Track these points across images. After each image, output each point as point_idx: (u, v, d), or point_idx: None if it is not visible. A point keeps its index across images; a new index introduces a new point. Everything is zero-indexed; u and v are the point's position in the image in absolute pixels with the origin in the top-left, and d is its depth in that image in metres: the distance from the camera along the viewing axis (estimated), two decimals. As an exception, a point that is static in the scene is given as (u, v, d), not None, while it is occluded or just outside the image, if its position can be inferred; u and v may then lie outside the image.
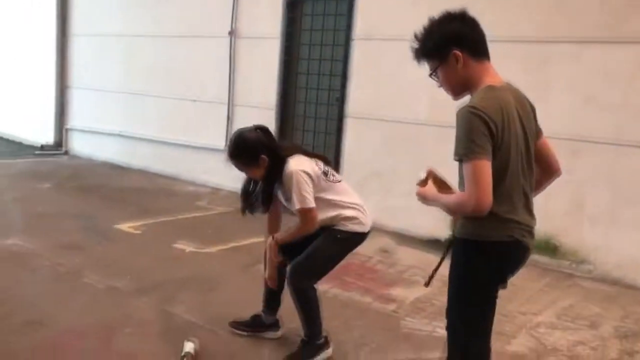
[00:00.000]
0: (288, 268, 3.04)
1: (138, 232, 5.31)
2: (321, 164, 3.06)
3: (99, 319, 3.41)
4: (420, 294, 4.10)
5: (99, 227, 5.33)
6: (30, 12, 9.85)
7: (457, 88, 2.17)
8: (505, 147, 1.98)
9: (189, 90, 7.78)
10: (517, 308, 4.07)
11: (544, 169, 2.33)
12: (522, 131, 2.10)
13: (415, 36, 2.20)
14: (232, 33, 7.21)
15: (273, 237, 3.07)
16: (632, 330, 3.82)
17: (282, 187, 2.99)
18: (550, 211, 5.07)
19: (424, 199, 2.16)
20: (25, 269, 4.15)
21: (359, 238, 3.09)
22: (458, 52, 2.08)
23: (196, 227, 5.68)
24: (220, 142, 7.41)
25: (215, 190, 7.30)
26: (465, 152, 1.92)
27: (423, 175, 2.22)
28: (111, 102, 8.79)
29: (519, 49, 5.12)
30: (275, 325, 3.34)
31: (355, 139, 6.28)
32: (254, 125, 3.08)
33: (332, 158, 6.53)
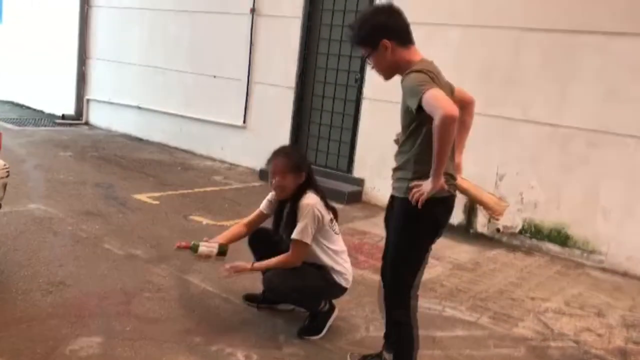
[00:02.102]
0: (267, 275, 3.11)
1: (156, 202, 5.42)
2: (331, 215, 3.15)
3: (119, 283, 3.54)
4: (431, 275, 4.18)
5: (118, 196, 5.45)
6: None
7: (387, 71, 2.49)
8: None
9: (210, 66, 7.84)
10: (525, 293, 4.13)
11: (465, 104, 2.60)
12: (448, 93, 2.38)
13: (350, 26, 2.55)
14: (253, 11, 7.24)
15: (251, 265, 3.13)
16: (639, 320, 3.87)
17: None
18: (563, 201, 5.11)
19: (425, 194, 2.32)
20: (48, 233, 4.28)
21: (339, 291, 3.19)
22: (387, 42, 2.39)
23: (213, 200, 5.78)
24: (239, 119, 7.49)
25: (232, 166, 7.40)
26: (418, 92, 2.21)
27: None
28: (131, 75, 8.89)
29: (544, 38, 5.10)
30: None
31: (371, 121, 6.31)
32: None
33: (349, 139, 6.59)
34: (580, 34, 4.95)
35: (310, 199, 3.02)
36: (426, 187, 2.31)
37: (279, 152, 3.16)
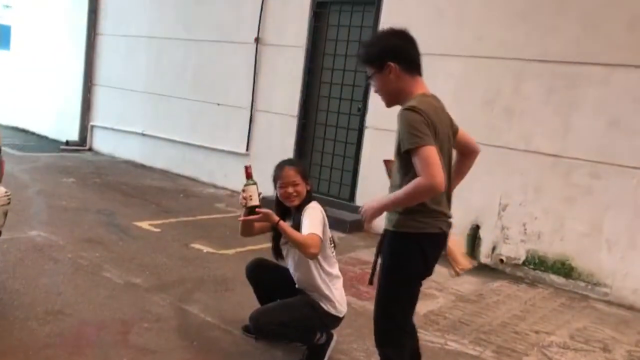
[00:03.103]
0: (253, 315, 3.03)
1: (157, 230, 5.40)
2: (331, 235, 3.15)
3: (118, 313, 3.49)
4: (433, 307, 4.12)
5: (119, 223, 5.44)
6: (62, 11, 10.09)
7: (390, 97, 2.42)
8: (437, 144, 2.21)
9: (214, 94, 7.90)
10: (530, 326, 4.07)
11: (467, 152, 2.60)
12: (446, 132, 2.38)
13: (362, 43, 2.54)
14: (257, 40, 7.33)
15: (278, 220, 2.90)
16: (646, 356, 3.80)
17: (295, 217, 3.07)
18: (567, 232, 5.08)
19: (371, 210, 2.30)
20: (48, 260, 4.25)
21: (332, 321, 3.14)
22: (393, 65, 2.33)
23: (214, 228, 5.76)
24: (242, 146, 7.52)
25: (235, 194, 7.39)
26: (412, 142, 2.15)
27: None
28: (136, 102, 8.96)
29: (546, 69, 5.14)
30: None
31: (373, 150, 6.33)
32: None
33: (351, 168, 6.60)
34: (581, 65, 4.99)
35: (316, 204, 3.04)
36: (371, 203, 2.31)
37: (287, 162, 3.17)
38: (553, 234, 5.14)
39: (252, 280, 3.32)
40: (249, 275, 3.32)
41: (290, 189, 3.04)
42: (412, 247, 2.31)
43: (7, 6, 11.47)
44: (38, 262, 4.18)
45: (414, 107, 2.21)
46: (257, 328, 3.07)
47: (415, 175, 2.16)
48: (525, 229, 5.28)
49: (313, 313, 3.05)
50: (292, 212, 3.12)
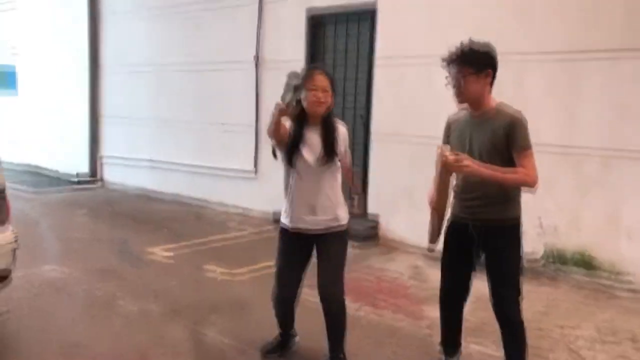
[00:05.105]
0: (328, 289, 2.97)
1: (170, 254, 5.39)
2: None
3: (134, 342, 3.46)
4: (453, 311, 4.04)
5: (132, 252, 5.43)
6: (63, 45, 10.20)
7: (470, 96, 2.77)
8: None
9: (218, 116, 7.92)
10: (554, 322, 3.97)
11: None
12: None
13: (465, 44, 2.77)
14: (257, 58, 7.35)
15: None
16: (676, 344, 3.68)
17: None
18: (584, 224, 4.98)
19: (470, 167, 2.63)
20: (62, 294, 4.25)
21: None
22: (490, 72, 2.75)
23: (227, 250, 5.73)
24: (249, 165, 7.51)
25: (245, 214, 7.37)
26: (529, 143, 2.73)
27: (448, 150, 2.67)
28: (143, 130, 9.01)
29: (546, 60, 5.07)
30: (293, 334, 3.36)
31: (381, 156, 6.28)
32: None
33: (360, 177, 6.55)
34: (581, 53, 4.91)
35: (343, 127, 3.06)
36: (472, 162, 2.65)
37: (317, 68, 3.10)
38: (569, 226, 5.03)
39: (281, 313, 3.24)
40: (279, 312, 3.24)
41: (321, 94, 2.90)
42: (519, 232, 2.86)
43: (14, 51, 11.66)
44: (53, 297, 4.18)
45: (523, 119, 2.75)
46: (337, 301, 3.00)
47: (509, 165, 2.70)
48: (542, 222, 5.18)
49: (346, 241, 3.11)
50: (308, 121, 2.94)
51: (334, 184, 3.04)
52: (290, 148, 2.98)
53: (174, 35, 8.48)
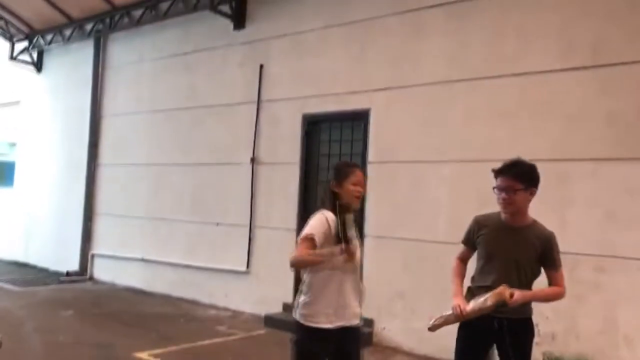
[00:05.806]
0: None
1: (158, 360, 5.20)
2: None
3: None
4: None
5: (118, 356, 5.24)
6: (63, 145, 10.44)
7: (517, 209, 3.11)
8: None
9: (213, 214, 7.97)
10: None
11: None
12: None
13: (519, 163, 3.14)
14: (253, 160, 7.54)
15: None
16: None
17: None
18: (581, 331, 4.90)
19: (520, 301, 2.95)
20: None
21: None
22: (535, 191, 3.09)
23: (216, 354, 5.55)
24: (242, 264, 7.45)
25: (236, 314, 7.21)
26: (559, 261, 3.13)
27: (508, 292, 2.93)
28: (136, 228, 9.01)
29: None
30: None
31: (375, 258, 6.26)
32: None
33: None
34: (569, 162, 5.10)
35: None
36: (520, 294, 2.95)
37: (356, 165, 3.35)
38: (567, 333, 4.94)
39: None
40: None
41: (361, 190, 3.10)
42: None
43: (12, 144, 11.92)
44: (31, 407, 3.97)
45: (554, 235, 3.14)
46: None
47: (532, 279, 3.12)
48: (539, 330, 5.06)
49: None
50: (342, 212, 2.97)
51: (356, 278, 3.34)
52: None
53: (173, 134, 8.70)
